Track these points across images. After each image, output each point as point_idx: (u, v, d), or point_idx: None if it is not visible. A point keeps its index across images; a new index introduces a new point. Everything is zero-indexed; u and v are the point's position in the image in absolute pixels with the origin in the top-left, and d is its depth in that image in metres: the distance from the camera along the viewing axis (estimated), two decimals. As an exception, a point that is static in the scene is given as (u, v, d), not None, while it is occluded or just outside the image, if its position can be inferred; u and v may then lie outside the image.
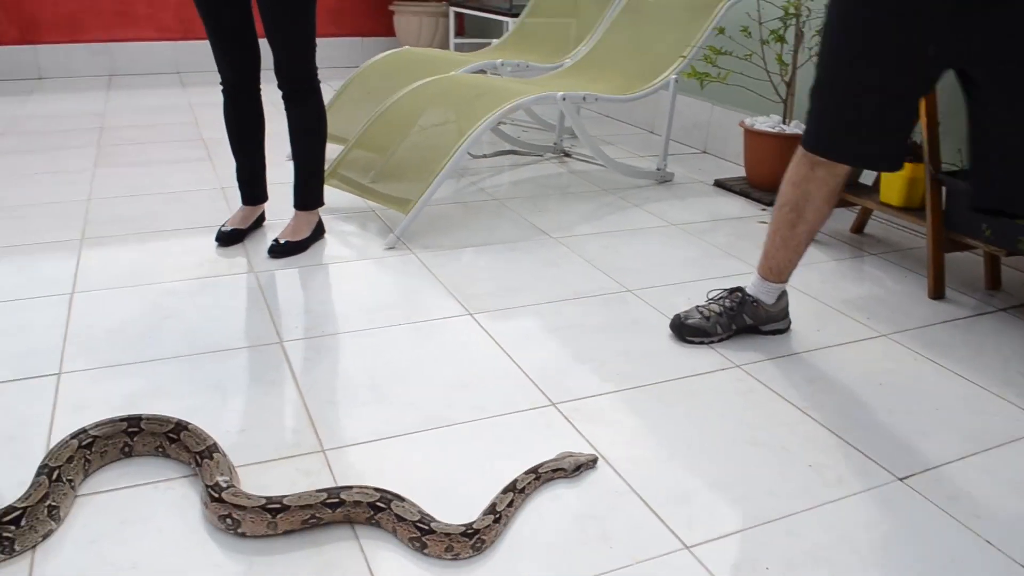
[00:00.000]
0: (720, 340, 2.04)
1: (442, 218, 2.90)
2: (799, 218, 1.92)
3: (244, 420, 1.67)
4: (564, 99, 2.97)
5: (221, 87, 2.48)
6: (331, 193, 2.99)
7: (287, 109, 2.45)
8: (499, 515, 1.36)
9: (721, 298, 2.07)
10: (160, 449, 1.53)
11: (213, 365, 1.88)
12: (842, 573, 1.31)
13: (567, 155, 3.79)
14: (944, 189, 2.36)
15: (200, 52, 5.74)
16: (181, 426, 1.52)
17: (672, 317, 2.07)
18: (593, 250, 2.63)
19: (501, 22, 5.12)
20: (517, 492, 1.43)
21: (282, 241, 2.51)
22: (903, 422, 1.74)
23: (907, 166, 2.46)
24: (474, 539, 1.31)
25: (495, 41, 4.44)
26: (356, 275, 2.40)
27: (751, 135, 3.20)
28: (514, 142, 3.84)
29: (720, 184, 3.40)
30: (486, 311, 2.19)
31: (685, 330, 2.03)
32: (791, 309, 2.13)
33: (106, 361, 1.87)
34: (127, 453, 1.52)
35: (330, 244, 2.61)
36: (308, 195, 2.57)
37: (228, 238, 2.56)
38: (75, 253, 2.48)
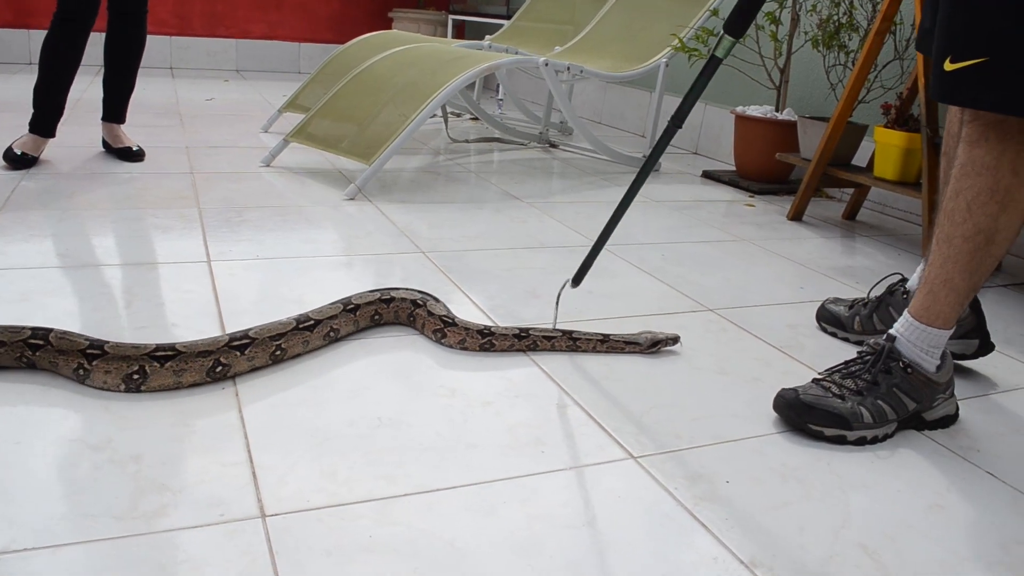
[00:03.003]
0: (859, 340, 1.60)
1: (411, 181, 2.73)
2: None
3: (150, 319, 1.47)
4: (546, 65, 2.82)
5: (72, 19, 2.41)
6: (298, 151, 2.83)
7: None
8: (527, 334, 1.42)
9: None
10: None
11: (135, 274, 1.68)
12: (817, 491, 1.10)
13: (553, 146, 3.63)
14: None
15: (196, 48, 5.64)
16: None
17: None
18: (566, 214, 2.45)
19: (499, 27, 5.01)
20: (568, 336, 1.43)
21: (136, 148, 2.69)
22: (893, 366, 1.53)
23: (903, 135, 2.30)
24: (486, 338, 1.42)
25: (488, 37, 4.32)
26: (306, 218, 2.21)
27: (741, 121, 3.05)
28: (499, 127, 3.68)
29: (708, 175, 3.23)
30: (439, 251, 1.99)
31: (821, 314, 1.67)
32: None
33: None
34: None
35: (287, 195, 2.42)
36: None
37: (21, 161, 2.46)
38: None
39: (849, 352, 1.56)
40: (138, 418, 1.14)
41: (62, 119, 2.55)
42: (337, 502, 0.99)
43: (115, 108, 2.69)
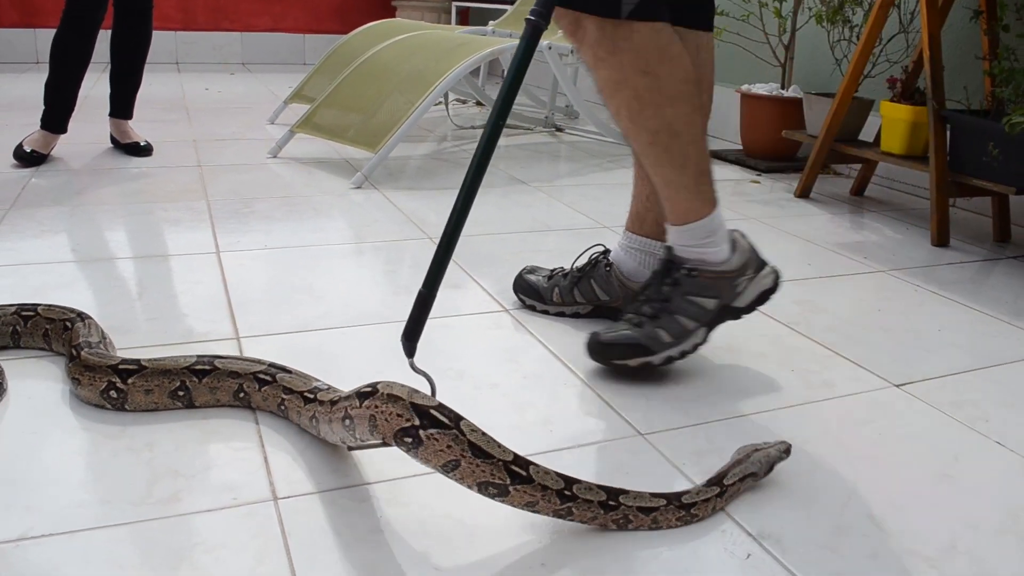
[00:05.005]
0: (559, 312, 1.55)
1: (418, 169, 2.74)
2: None
3: (161, 311, 1.49)
4: (550, 48, 2.81)
5: (82, 17, 2.42)
6: (304, 141, 2.84)
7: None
8: (617, 503, 0.93)
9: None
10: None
11: (146, 267, 1.70)
12: (824, 464, 1.11)
13: (559, 129, 3.63)
14: (948, 128, 2.17)
15: (201, 42, 5.65)
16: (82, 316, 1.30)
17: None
18: (572, 197, 2.45)
19: (503, 13, 5.00)
20: (678, 505, 0.95)
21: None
22: (902, 339, 1.54)
23: (909, 109, 2.29)
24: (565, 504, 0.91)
25: (492, 23, 4.31)
26: (313, 207, 2.22)
27: (747, 100, 3.04)
28: (502, 114, 3.67)
29: (715, 155, 3.22)
30: (447, 236, 1.99)
31: (518, 285, 1.59)
32: None
33: None
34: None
35: (295, 185, 2.44)
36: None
37: (30, 159, 2.48)
38: (14, 174, 2.31)
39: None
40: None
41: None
42: (348, 483, 1.00)
43: (122, 104, 2.71)
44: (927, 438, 1.19)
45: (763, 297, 1.35)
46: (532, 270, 1.61)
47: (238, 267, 1.72)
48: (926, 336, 1.56)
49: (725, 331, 1.51)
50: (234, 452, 1.06)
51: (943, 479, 1.09)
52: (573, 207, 2.33)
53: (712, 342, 1.46)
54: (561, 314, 1.55)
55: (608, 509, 0.93)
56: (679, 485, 1.03)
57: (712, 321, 1.31)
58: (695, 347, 1.29)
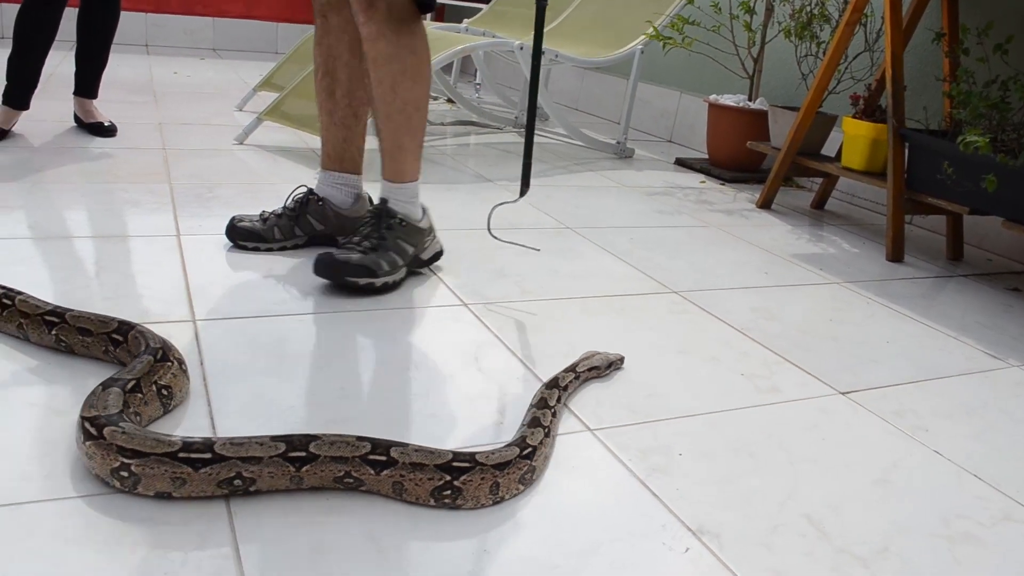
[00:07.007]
0: (281, 248, 1.75)
1: (383, 160, 2.73)
2: (334, 82, 1.72)
3: (117, 290, 1.47)
4: (522, 48, 2.83)
5: None
6: (271, 129, 2.83)
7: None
8: (547, 429, 1.10)
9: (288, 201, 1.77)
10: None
11: (104, 247, 1.68)
12: (766, 465, 1.13)
13: (527, 131, 3.64)
14: (907, 147, 2.22)
15: (172, 25, 5.59)
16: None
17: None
18: (537, 197, 2.47)
19: (478, 11, 5.01)
20: (561, 389, 1.22)
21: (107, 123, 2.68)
22: (851, 349, 1.57)
23: (870, 126, 2.34)
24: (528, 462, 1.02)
25: (466, 20, 4.32)
26: (277, 195, 2.21)
27: (714, 110, 3.08)
28: (476, 111, 3.69)
29: (681, 162, 3.27)
30: (411, 230, 2.00)
31: (235, 233, 1.73)
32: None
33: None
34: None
35: (259, 172, 2.42)
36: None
37: None
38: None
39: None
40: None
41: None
42: (297, 468, 1.00)
43: (87, 83, 2.68)
44: (868, 444, 1.23)
45: (437, 257, 1.71)
46: (240, 219, 1.75)
47: (198, 251, 1.71)
48: (874, 347, 1.60)
49: (679, 333, 1.54)
50: (183, 432, 1.06)
51: (881, 484, 1.12)
52: (538, 207, 2.35)
53: (666, 344, 1.49)
54: (284, 248, 1.74)
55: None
56: (623, 479, 1.05)
57: (410, 263, 1.61)
58: (397, 283, 1.57)
